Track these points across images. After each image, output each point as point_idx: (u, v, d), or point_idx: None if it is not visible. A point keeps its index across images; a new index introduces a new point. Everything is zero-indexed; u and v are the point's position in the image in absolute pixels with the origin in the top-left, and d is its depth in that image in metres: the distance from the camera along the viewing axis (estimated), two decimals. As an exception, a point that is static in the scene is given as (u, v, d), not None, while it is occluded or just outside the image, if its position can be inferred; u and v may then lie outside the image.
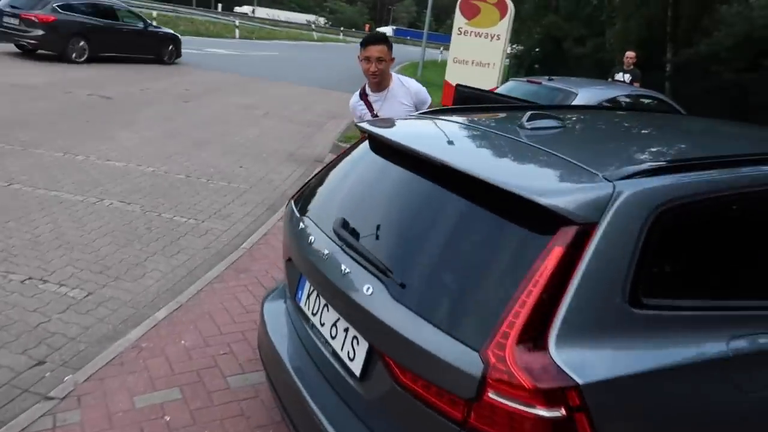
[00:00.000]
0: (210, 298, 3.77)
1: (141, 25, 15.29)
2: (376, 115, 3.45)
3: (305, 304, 2.13)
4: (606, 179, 1.57)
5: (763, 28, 13.63)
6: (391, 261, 1.70)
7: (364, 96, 3.50)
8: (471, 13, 11.44)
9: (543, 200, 1.47)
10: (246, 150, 7.75)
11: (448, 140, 2.03)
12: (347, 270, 1.79)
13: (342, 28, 48.95)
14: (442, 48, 34.15)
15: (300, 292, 2.19)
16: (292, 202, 2.45)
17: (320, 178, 2.43)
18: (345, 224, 1.94)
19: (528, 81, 7.46)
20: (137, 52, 14.98)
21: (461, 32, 11.58)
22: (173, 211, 5.17)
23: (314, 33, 42.27)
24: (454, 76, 11.69)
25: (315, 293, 2.07)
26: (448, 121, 2.28)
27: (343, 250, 1.88)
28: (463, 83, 11.06)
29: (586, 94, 6.86)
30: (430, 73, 21.47)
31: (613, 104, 7.05)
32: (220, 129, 8.74)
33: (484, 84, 11.40)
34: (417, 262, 1.69)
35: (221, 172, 6.59)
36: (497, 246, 1.57)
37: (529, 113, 2.05)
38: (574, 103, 6.69)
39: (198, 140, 7.83)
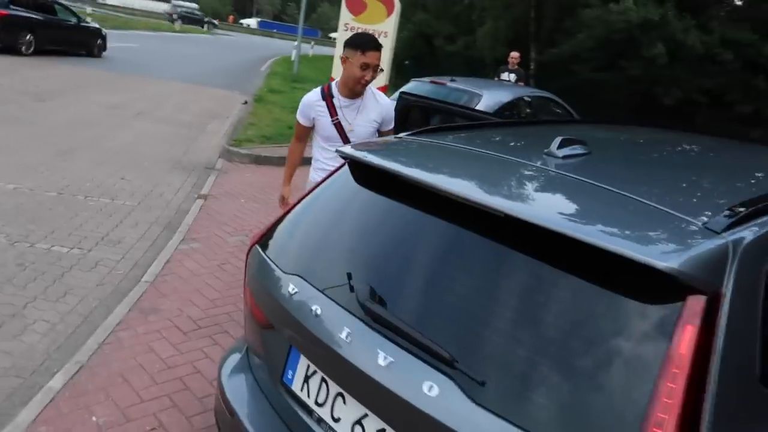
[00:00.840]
0: (117, 352, 3.08)
1: (74, 20, 15.82)
2: (339, 123, 3.01)
3: (302, 390, 1.65)
4: (710, 230, 1.29)
5: (620, 31, 14.76)
6: (454, 346, 1.30)
7: (328, 97, 3.03)
8: (357, 9, 11.11)
9: (661, 263, 1.15)
10: (123, 158, 6.79)
11: (484, 177, 1.65)
12: (388, 359, 1.35)
13: (206, 19, 46.34)
14: (313, 42, 33.54)
15: (291, 371, 1.70)
16: (258, 247, 1.95)
17: (294, 219, 1.94)
18: (369, 291, 1.49)
19: (431, 82, 7.29)
20: (73, 46, 15.52)
21: (348, 28, 11.18)
22: (50, 240, 4.28)
23: (176, 23, 39.54)
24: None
25: (319, 377, 1.60)
26: (455, 147, 1.91)
27: (370, 326, 1.44)
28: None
29: (491, 95, 6.84)
30: (304, 69, 20.85)
31: (517, 105, 7.11)
32: (87, 134, 7.61)
33: (375, 83, 11.20)
34: (491, 348, 1.30)
35: (100, 186, 5.66)
36: (598, 323, 1.23)
37: (559, 139, 1.74)
38: (479, 104, 6.64)
39: (63, 148, 6.73)
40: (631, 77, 15.88)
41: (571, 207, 1.45)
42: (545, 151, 1.75)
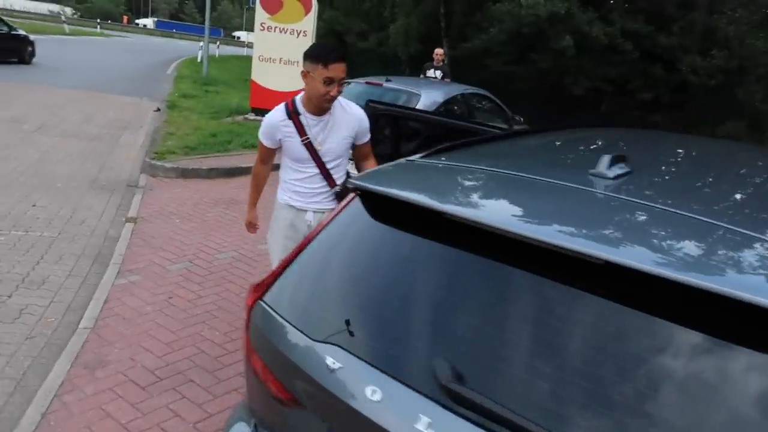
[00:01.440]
0: (66, 422, 2.62)
1: (6, 28, 16.36)
2: (309, 143, 2.70)
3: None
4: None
5: (530, 25, 15.18)
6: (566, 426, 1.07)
7: (294, 115, 2.69)
8: (273, 7, 10.64)
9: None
10: (31, 180, 6.04)
11: (537, 208, 1.42)
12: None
13: (98, 21, 43.31)
14: (218, 42, 32.26)
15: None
16: (265, 304, 1.62)
17: (307, 267, 1.63)
18: (440, 362, 1.22)
19: (367, 83, 7.03)
20: (6, 54, 15.94)
21: (264, 28, 10.72)
22: (-43, 289, 3.65)
23: (65, 25, 36.67)
24: (261, 75, 10.85)
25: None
26: (485, 170, 1.67)
27: (456, 411, 1.17)
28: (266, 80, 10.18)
29: (428, 94, 6.70)
30: (213, 70, 19.91)
31: (454, 102, 7.01)
32: (-18, 154, 6.74)
33: (293, 83, 10.80)
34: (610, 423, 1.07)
35: (8, 216, 4.97)
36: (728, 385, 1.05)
37: (607, 158, 1.55)
38: (419, 104, 6.47)
39: (-44, 173, 5.89)
40: (541, 69, 16.41)
41: (659, 243, 1.25)
42: (592, 171, 1.55)
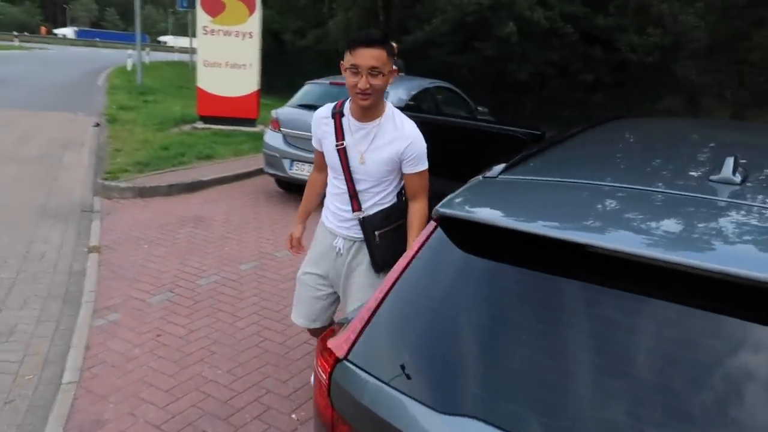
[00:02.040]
0: (73, 501, 2.27)
1: None
2: (344, 149, 2.32)
3: None
4: None
5: (472, 13, 15.19)
6: None
7: (338, 116, 2.35)
8: (215, 9, 10.14)
9: None
10: (-28, 215, 5.46)
11: (685, 229, 1.23)
12: None
13: (15, 33, 40.68)
14: (148, 49, 30.97)
15: None
16: (353, 365, 1.34)
17: (398, 317, 1.38)
18: None
19: (332, 83, 6.73)
20: None
21: (207, 31, 10.21)
22: None
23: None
24: (208, 80, 10.35)
25: None
26: (586, 184, 1.47)
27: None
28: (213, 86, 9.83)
29: (396, 90, 6.48)
30: (147, 79, 19.04)
31: (422, 97, 6.83)
32: None
33: (242, 87, 10.36)
34: None
35: (-46, 259, 4.44)
36: None
37: (732, 161, 1.38)
38: (388, 100, 6.24)
39: None
40: (486, 57, 16.47)
41: None
42: (714, 177, 1.38)
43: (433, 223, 1.45)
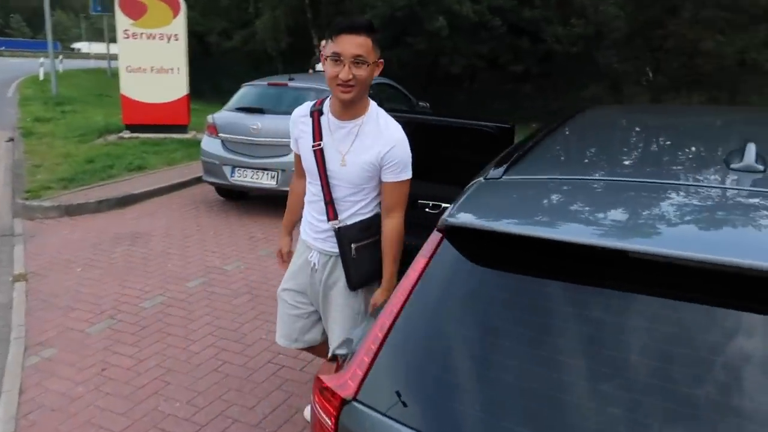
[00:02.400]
0: None
1: None
2: (320, 151, 2.07)
3: None
4: None
5: (402, 8, 15.16)
6: None
7: (316, 114, 2.10)
8: (136, 12, 9.57)
9: None
10: None
11: (724, 225, 1.11)
12: None
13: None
14: (61, 56, 29.24)
15: None
16: (363, 407, 1.15)
17: (413, 346, 1.19)
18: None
19: (270, 84, 6.44)
20: None
21: (129, 35, 9.62)
22: None
23: None
24: (132, 87, 9.76)
25: None
26: (605, 181, 1.34)
27: None
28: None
29: (337, 89, 6.26)
30: (62, 88, 17.90)
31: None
32: None
33: (169, 92, 9.84)
34: None
35: None
36: None
37: (752, 147, 1.28)
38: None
39: None
40: (417, 51, 16.51)
41: None
42: (735, 166, 1.28)
43: (438, 235, 1.27)
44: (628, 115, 2.30)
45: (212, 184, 6.41)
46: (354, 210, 2.14)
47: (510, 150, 1.71)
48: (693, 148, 1.67)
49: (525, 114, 17.39)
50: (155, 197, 6.78)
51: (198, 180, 7.19)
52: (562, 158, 1.59)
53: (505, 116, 17.87)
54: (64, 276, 4.49)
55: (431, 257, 1.24)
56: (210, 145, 6.24)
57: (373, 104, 2.10)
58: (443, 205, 2.79)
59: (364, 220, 2.14)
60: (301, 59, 15.60)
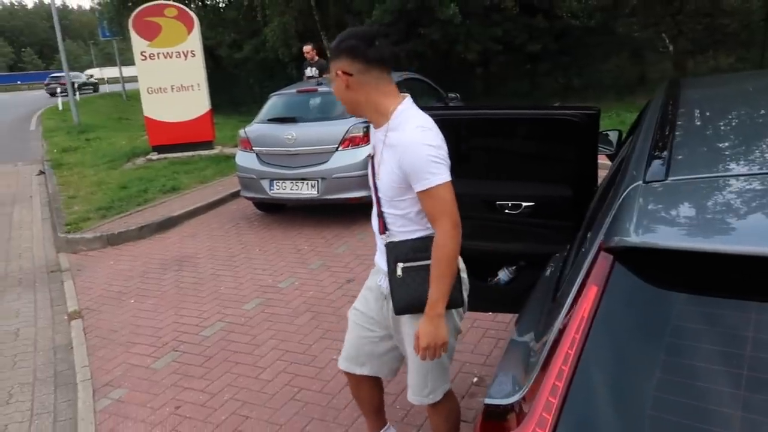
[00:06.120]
0: None
1: None
2: (372, 157, 1.99)
3: None
4: None
5: (414, 2, 14.91)
6: None
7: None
8: (151, 33, 9.50)
9: None
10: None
11: None
12: None
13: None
14: (76, 84, 29.55)
15: None
16: None
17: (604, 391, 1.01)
18: None
19: (299, 92, 6.29)
20: None
21: (146, 57, 9.56)
22: None
23: None
24: (154, 108, 9.70)
25: None
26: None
27: None
28: (162, 113, 9.44)
29: (368, 90, 6.08)
30: (83, 116, 18.02)
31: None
32: None
33: (192, 110, 9.75)
34: None
35: None
36: None
37: None
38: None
39: None
40: (432, 42, 16.24)
41: None
42: None
43: (606, 257, 1.07)
44: (738, 87, 2.07)
45: (251, 199, 6.28)
46: (400, 224, 1.93)
47: (637, 141, 1.50)
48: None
49: (544, 93, 17.05)
50: (194, 217, 6.69)
51: (234, 196, 7.09)
52: (718, 148, 1.38)
53: (524, 97, 17.41)
54: (119, 309, 4.39)
55: (603, 290, 1.05)
56: (245, 159, 6.10)
57: (401, 107, 1.87)
58: (524, 204, 2.60)
59: (417, 238, 1.90)
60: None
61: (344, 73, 1.83)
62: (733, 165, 1.26)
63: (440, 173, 1.78)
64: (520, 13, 16.13)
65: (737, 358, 0.96)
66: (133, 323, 4.13)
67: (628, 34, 16.77)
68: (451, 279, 1.82)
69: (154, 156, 9.87)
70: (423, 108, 1.97)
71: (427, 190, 1.78)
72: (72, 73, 21.84)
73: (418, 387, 2.06)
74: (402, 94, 1.91)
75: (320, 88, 6.06)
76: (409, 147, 1.79)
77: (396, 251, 1.91)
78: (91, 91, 37.96)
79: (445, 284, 1.81)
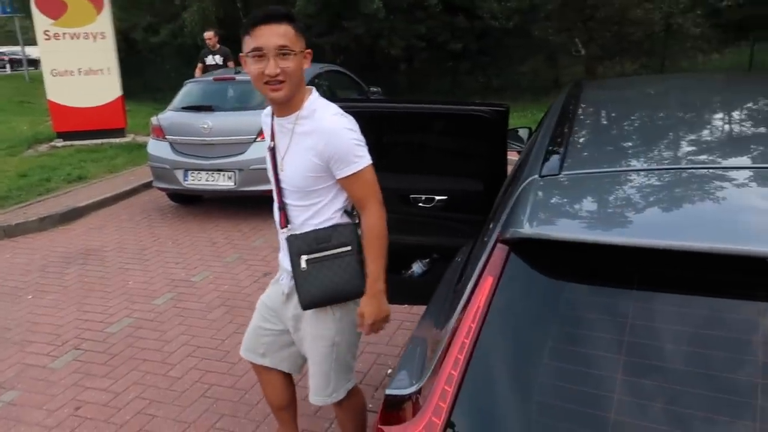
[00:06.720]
0: None
1: None
2: (272, 149, 1.91)
3: None
4: None
5: (337, -7, 14.83)
6: None
7: (272, 113, 1.92)
8: (55, 10, 8.91)
9: None
10: None
11: None
12: None
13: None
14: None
15: None
16: None
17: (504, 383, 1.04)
18: None
19: (216, 79, 6.09)
20: None
21: (50, 36, 8.96)
22: None
23: None
24: (59, 92, 9.11)
25: None
26: (683, 171, 1.20)
27: None
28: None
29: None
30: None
31: (318, 84, 6.38)
32: None
33: (101, 95, 9.24)
34: None
35: None
36: None
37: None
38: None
39: None
40: (356, 36, 16.23)
41: None
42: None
43: (502, 248, 1.11)
44: (636, 90, 2.20)
45: (164, 190, 6.04)
46: (306, 216, 1.89)
47: (537, 138, 1.56)
48: (755, 124, 1.57)
49: (465, 91, 17.48)
50: (102, 209, 6.34)
51: (146, 186, 6.78)
52: (613, 145, 1.46)
53: (445, 94, 17.76)
54: (14, 306, 4.10)
55: (499, 279, 1.08)
56: (157, 148, 5.85)
57: (312, 97, 1.85)
58: (437, 198, 2.64)
59: (320, 229, 1.87)
60: (236, 51, 15.08)
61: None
62: (625, 161, 1.33)
63: (365, 156, 1.81)
64: (443, 11, 16.40)
65: (625, 345, 1.02)
66: (29, 320, 3.87)
67: (544, 37, 17.45)
68: (385, 255, 1.86)
69: (59, 143, 9.28)
70: (338, 100, 1.96)
71: (355, 174, 1.79)
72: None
73: (319, 387, 2.03)
74: (307, 87, 1.89)
75: (238, 77, 5.90)
76: (332, 133, 1.78)
77: (298, 243, 1.88)
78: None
79: (382, 261, 1.85)
